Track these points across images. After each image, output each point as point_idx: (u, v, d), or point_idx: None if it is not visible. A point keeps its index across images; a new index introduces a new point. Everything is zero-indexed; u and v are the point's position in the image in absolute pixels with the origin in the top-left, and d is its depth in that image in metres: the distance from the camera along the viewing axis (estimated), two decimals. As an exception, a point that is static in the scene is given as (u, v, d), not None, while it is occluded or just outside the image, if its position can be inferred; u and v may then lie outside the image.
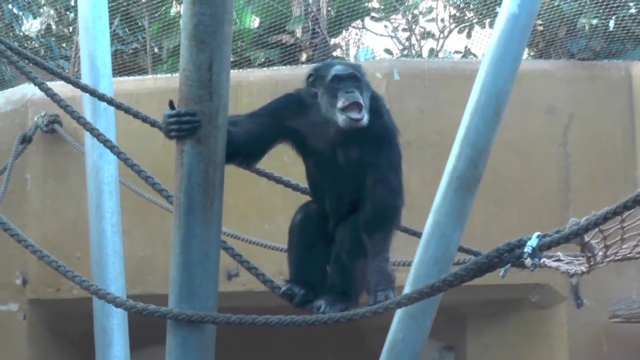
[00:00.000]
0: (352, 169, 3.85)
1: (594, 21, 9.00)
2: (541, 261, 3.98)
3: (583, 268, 4.05)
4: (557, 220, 8.18)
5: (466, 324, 8.96)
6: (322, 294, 3.91)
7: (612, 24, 9.10)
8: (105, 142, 4.69)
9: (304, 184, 4.88)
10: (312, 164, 3.96)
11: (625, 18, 9.13)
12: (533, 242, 3.30)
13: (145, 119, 4.83)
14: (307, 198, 4.59)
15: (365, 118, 3.75)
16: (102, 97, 5.06)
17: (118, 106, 4.95)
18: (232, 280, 8.17)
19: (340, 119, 3.75)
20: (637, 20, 9.10)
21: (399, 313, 4.92)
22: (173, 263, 3.80)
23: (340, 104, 3.75)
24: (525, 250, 3.32)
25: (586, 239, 3.56)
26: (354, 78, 3.81)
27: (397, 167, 3.91)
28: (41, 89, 4.88)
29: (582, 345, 8.32)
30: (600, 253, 3.85)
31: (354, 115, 3.74)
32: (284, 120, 3.92)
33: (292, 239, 4.07)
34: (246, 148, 3.91)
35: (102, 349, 6.77)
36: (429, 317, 4.93)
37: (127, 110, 4.86)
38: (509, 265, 3.43)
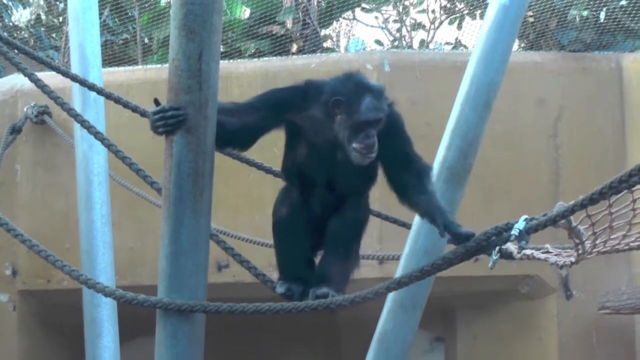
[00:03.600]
0: (350, 165, 3.82)
1: (585, 13, 9.01)
2: (530, 253, 4.00)
3: (572, 259, 4.06)
4: (547, 211, 8.21)
5: (456, 315, 8.98)
6: (320, 282, 3.86)
7: (602, 15, 9.11)
8: (96, 135, 4.67)
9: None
10: (304, 154, 3.91)
11: (616, 10, 9.14)
12: (520, 224, 3.32)
13: (135, 109, 4.81)
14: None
15: (374, 156, 3.74)
16: (92, 87, 5.03)
17: (108, 96, 4.92)
18: (222, 272, 8.16)
19: (353, 154, 3.72)
20: (627, 12, 9.11)
21: (388, 303, 4.93)
22: (162, 254, 3.79)
23: (356, 144, 3.71)
24: (512, 232, 3.34)
25: (574, 223, 3.57)
26: (379, 121, 3.75)
27: (412, 143, 3.92)
28: (31, 79, 4.86)
29: (572, 336, 8.35)
30: (589, 242, 3.85)
31: (366, 155, 3.73)
32: (284, 113, 3.86)
33: (281, 235, 4.01)
34: (240, 138, 3.89)
35: (91, 340, 6.76)
36: (418, 308, 4.94)
37: (117, 100, 4.84)
38: (497, 256, 3.43)
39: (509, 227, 3.36)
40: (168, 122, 3.67)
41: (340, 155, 3.82)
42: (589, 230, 3.79)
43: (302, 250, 3.96)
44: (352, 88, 3.78)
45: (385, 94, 3.82)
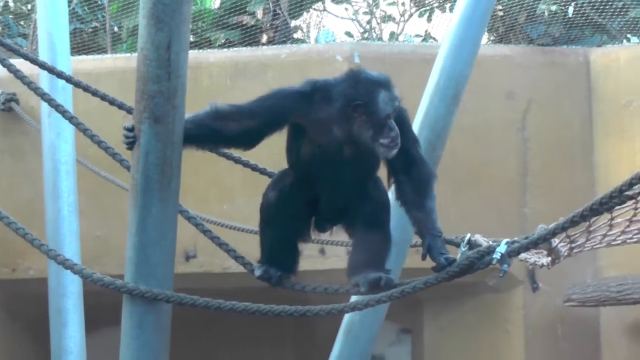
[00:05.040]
0: (358, 161, 3.81)
1: (554, 7, 9.06)
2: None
3: (544, 262, 4.11)
4: (515, 204, 8.27)
5: (423, 307, 9.01)
6: (367, 266, 3.84)
7: (571, 10, 9.17)
8: (71, 119, 4.60)
9: (263, 164, 4.87)
10: (309, 153, 3.85)
11: (584, 5, 9.20)
12: (502, 248, 3.34)
13: (103, 97, 4.78)
14: (266, 179, 4.58)
15: (400, 145, 3.73)
16: (60, 75, 5.00)
17: (76, 84, 4.89)
18: (190, 262, 8.15)
19: (380, 150, 3.71)
20: (595, 7, 9.17)
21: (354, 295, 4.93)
22: (129, 243, 3.78)
23: (383, 140, 3.69)
24: (494, 256, 3.35)
25: (554, 244, 3.61)
26: (396, 109, 3.76)
27: (417, 142, 3.92)
28: (3, 65, 4.81)
29: (538, 328, 8.41)
30: (566, 253, 3.91)
31: (393, 148, 3.71)
32: (287, 117, 3.82)
33: (266, 219, 3.97)
34: (241, 142, 3.87)
35: (57, 330, 6.74)
36: (386, 299, 4.93)
37: (86, 88, 4.81)
38: (506, 266, 3.43)
39: (490, 250, 3.38)
40: (126, 141, 3.78)
41: (347, 151, 3.80)
42: (567, 246, 3.84)
43: (286, 237, 3.93)
44: (364, 88, 3.76)
45: (392, 83, 3.83)
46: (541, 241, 3.29)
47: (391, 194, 3.90)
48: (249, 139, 3.84)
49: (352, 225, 3.93)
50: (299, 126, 3.83)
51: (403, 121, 3.84)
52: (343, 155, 3.78)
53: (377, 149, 3.72)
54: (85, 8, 10.37)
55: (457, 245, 3.87)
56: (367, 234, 3.86)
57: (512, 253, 3.34)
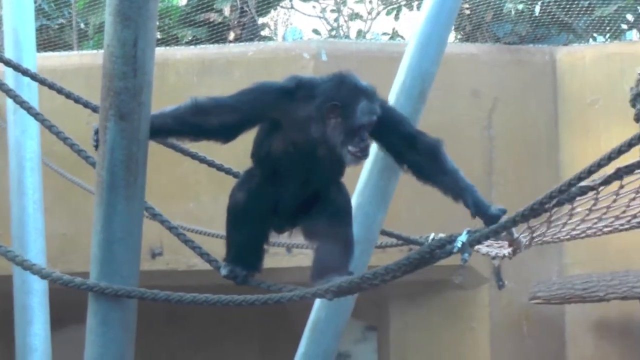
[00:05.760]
0: (327, 164, 3.80)
1: (520, 6, 9.11)
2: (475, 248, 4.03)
3: (506, 252, 4.12)
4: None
5: (389, 304, 9.03)
6: (329, 272, 3.84)
7: (537, 9, 9.24)
8: (36, 116, 4.58)
9: (228, 164, 4.86)
10: (281, 149, 3.82)
11: (551, 4, 9.26)
12: (463, 237, 3.34)
13: (69, 95, 4.76)
14: (231, 178, 4.57)
15: (367, 157, 3.76)
16: (25, 72, 4.97)
17: (42, 81, 4.87)
18: (156, 259, 8.12)
19: (348, 157, 3.69)
20: (561, 6, 9.23)
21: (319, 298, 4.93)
22: (94, 240, 3.76)
23: (352, 147, 3.67)
24: (455, 244, 3.36)
25: (515, 234, 3.62)
26: (373, 124, 3.71)
27: (410, 122, 3.91)
28: (-32, 60, 4.79)
29: (503, 325, 8.46)
30: (527, 243, 3.92)
31: (361, 158, 3.72)
32: (267, 112, 3.80)
33: (233, 220, 3.96)
34: (220, 136, 3.85)
35: (22, 327, 6.70)
36: (350, 296, 4.95)
37: (51, 86, 4.79)
38: (467, 254, 3.44)
39: (452, 239, 3.39)
40: (94, 144, 3.79)
41: (320, 152, 3.77)
42: (527, 237, 3.85)
43: (253, 237, 3.93)
44: (347, 92, 3.71)
45: (377, 95, 3.81)
46: (501, 229, 3.30)
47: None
48: (229, 133, 3.81)
49: (312, 229, 3.93)
50: (276, 121, 3.81)
51: (389, 113, 3.82)
52: (315, 156, 3.76)
53: (345, 155, 3.69)
54: (52, 4, 10.32)
55: (422, 244, 3.88)
56: (329, 238, 3.86)
57: (474, 242, 3.35)
